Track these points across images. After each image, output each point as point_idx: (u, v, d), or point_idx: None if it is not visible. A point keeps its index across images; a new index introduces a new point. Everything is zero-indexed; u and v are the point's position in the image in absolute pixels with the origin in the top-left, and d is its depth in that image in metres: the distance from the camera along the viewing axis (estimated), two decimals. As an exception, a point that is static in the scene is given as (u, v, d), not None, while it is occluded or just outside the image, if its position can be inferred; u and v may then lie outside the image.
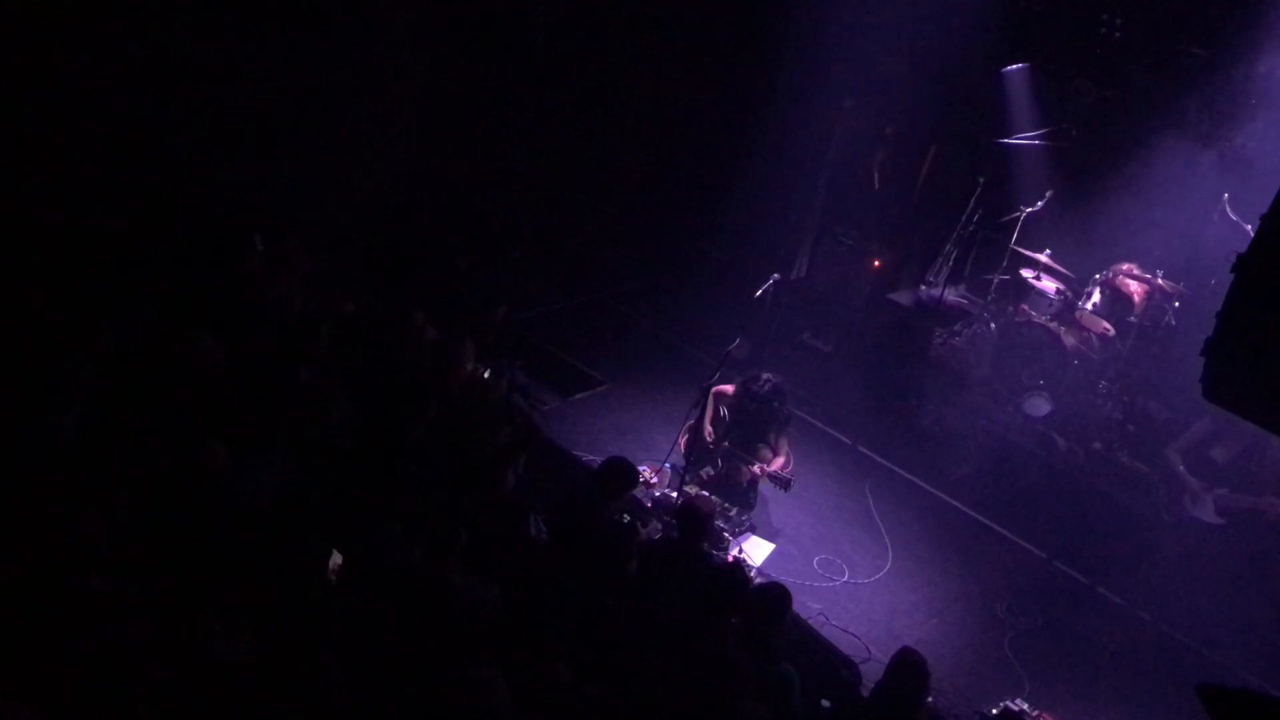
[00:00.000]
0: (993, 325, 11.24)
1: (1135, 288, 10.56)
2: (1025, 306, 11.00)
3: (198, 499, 5.10)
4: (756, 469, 8.38)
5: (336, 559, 5.37)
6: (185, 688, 4.16)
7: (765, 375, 8.57)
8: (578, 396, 9.89)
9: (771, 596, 6.24)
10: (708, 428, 8.55)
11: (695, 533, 6.93)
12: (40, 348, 5.77)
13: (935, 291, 11.58)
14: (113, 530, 4.70)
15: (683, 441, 8.57)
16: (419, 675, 4.85)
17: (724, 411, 8.68)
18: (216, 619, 4.35)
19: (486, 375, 7.80)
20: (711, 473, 8.59)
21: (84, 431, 5.40)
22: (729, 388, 8.67)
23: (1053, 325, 10.66)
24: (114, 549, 4.66)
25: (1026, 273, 11.01)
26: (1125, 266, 10.72)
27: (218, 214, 7.94)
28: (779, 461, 8.50)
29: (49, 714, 3.85)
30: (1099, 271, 10.93)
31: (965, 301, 12.09)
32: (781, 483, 8.30)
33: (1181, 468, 9.07)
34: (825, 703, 6.38)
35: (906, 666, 5.99)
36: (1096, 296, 10.84)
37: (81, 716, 3.99)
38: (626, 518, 7.71)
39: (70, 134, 7.77)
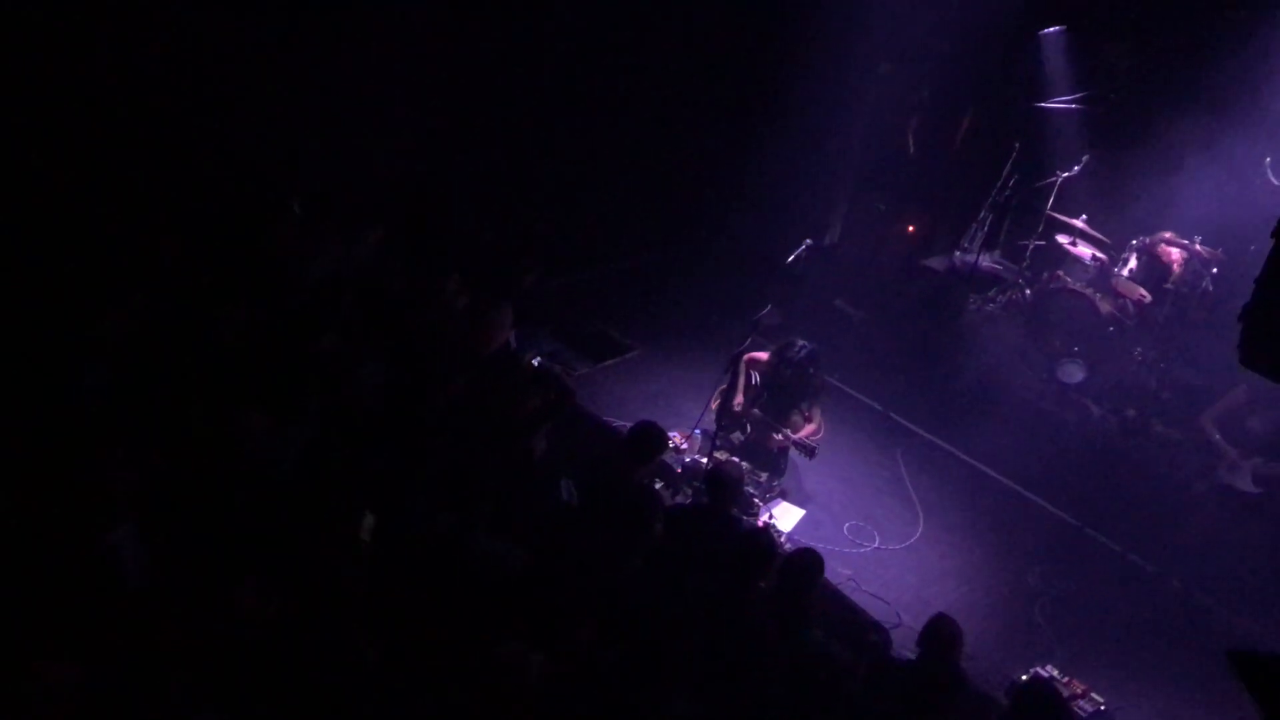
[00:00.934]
0: (1028, 291, 11.17)
1: (1174, 255, 10.46)
2: (1061, 273, 10.92)
3: (227, 461, 5.15)
4: (781, 436, 8.37)
5: (370, 520, 5.41)
6: (215, 648, 4.23)
7: (801, 342, 8.52)
8: (608, 362, 9.90)
9: (803, 562, 6.26)
10: (738, 395, 8.55)
11: (724, 498, 6.95)
12: (71, 303, 5.84)
13: (969, 257, 11.50)
14: (141, 487, 4.75)
15: (714, 406, 8.57)
16: (447, 640, 4.90)
17: (755, 378, 8.67)
18: (246, 580, 4.40)
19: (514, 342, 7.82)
20: (741, 438, 8.60)
21: (112, 387, 5.46)
22: (763, 355, 8.65)
23: (1088, 291, 10.57)
24: (142, 506, 4.72)
25: (1062, 238, 10.91)
26: (1166, 235, 10.61)
27: (256, 179, 7.98)
28: (809, 429, 8.48)
29: (93, 673, 3.93)
30: (1136, 237, 10.82)
31: (1000, 267, 12.02)
32: (806, 450, 8.29)
33: (1218, 436, 9.00)
34: None
35: (941, 632, 6.01)
36: (1133, 262, 10.75)
37: (120, 676, 4.06)
38: (658, 483, 7.75)
39: (115, 97, 7.82)
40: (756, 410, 8.52)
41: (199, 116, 8.27)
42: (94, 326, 5.70)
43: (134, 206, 7.27)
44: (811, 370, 8.46)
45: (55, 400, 5.23)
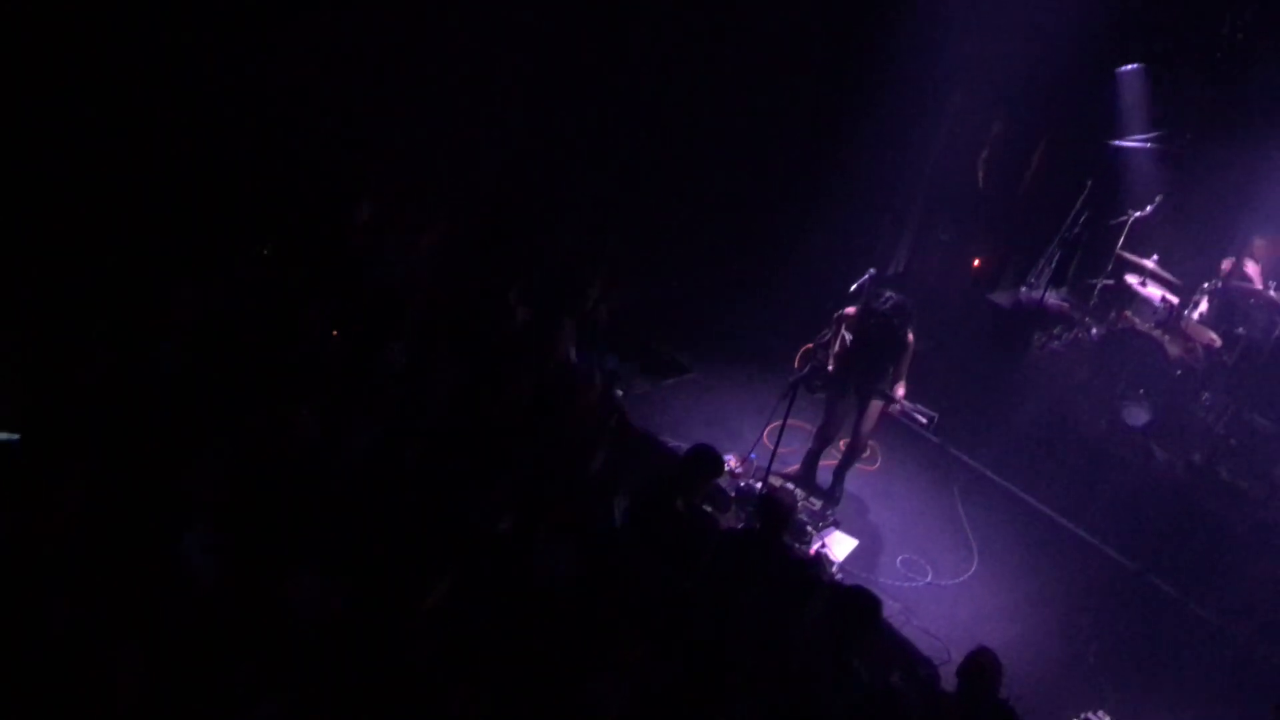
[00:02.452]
0: (1094, 331, 11.02)
1: (1251, 268, 10.35)
2: (1129, 313, 10.77)
3: (288, 458, 5.23)
4: (897, 406, 8.20)
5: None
6: (276, 644, 4.29)
7: (889, 293, 8.33)
8: (667, 382, 9.92)
9: (858, 603, 6.10)
10: (834, 349, 8.41)
11: (775, 526, 6.92)
12: (144, 301, 5.98)
13: (1036, 294, 11.40)
14: (213, 494, 4.84)
15: (800, 364, 8.43)
16: (503, 644, 4.93)
17: (846, 337, 8.45)
18: (309, 576, 4.46)
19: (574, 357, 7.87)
20: (797, 469, 8.53)
21: (183, 370, 5.58)
22: (852, 309, 8.50)
23: (1156, 333, 10.41)
24: (213, 511, 4.80)
25: (1131, 278, 10.77)
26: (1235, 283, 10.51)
27: (330, 181, 8.10)
28: (901, 388, 8.36)
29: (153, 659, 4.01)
30: (1208, 280, 10.67)
31: (1066, 305, 11.89)
32: (926, 417, 8.12)
33: (1294, 491, 8.81)
34: None
35: (978, 665, 5.93)
36: (1204, 305, 10.59)
37: (181, 663, 4.14)
38: (709, 507, 7.73)
39: (198, 98, 7.99)
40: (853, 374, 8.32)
41: (278, 116, 8.43)
42: (166, 324, 5.84)
43: (208, 205, 7.44)
44: (897, 321, 8.21)
45: (129, 392, 5.35)
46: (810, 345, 8.44)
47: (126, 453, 4.91)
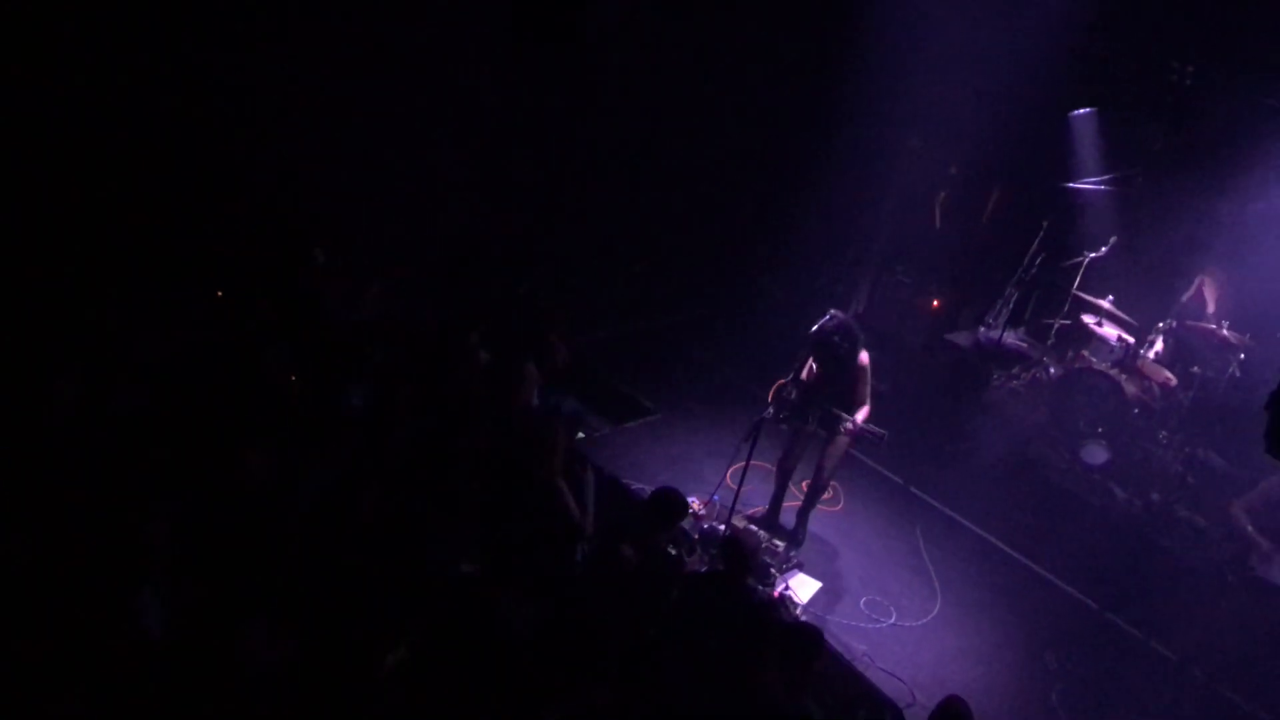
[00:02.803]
0: (1051, 370, 11.11)
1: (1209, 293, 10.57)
2: (1086, 353, 10.87)
3: (237, 504, 5.16)
4: (849, 425, 8.14)
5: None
6: (227, 692, 4.20)
7: (833, 311, 8.27)
8: (629, 424, 9.89)
9: (803, 639, 6.14)
10: (803, 375, 8.36)
11: (739, 567, 6.88)
12: (101, 334, 5.92)
13: (994, 334, 11.49)
14: (166, 549, 4.75)
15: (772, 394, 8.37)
16: (465, 692, 4.86)
17: (813, 366, 8.39)
18: (260, 625, 4.38)
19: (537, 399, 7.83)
20: (813, 428, 8.44)
21: (135, 416, 5.50)
22: None
23: (1113, 372, 10.51)
24: (165, 566, 4.72)
25: (1088, 318, 10.88)
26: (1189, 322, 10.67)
27: (283, 226, 8.06)
28: (863, 412, 8.30)
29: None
30: (1163, 319, 10.80)
31: (1025, 345, 11.99)
32: (877, 437, 8.05)
33: (1250, 526, 8.85)
34: None
35: (952, 712, 5.90)
36: (1159, 345, 10.71)
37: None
38: (672, 549, 7.68)
39: (148, 139, 7.96)
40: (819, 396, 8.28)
41: (234, 159, 8.40)
42: (123, 363, 5.76)
43: (165, 249, 7.37)
44: (839, 339, 8.11)
45: (87, 430, 5.28)
46: (783, 381, 8.43)
47: (80, 502, 4.83)
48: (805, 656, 6.04)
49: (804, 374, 8.39)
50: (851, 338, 8.18)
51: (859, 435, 8.17)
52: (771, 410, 8.30)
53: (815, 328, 8.65)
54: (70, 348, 5.89)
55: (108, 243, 7.21)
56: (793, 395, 8.33)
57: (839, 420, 8.19)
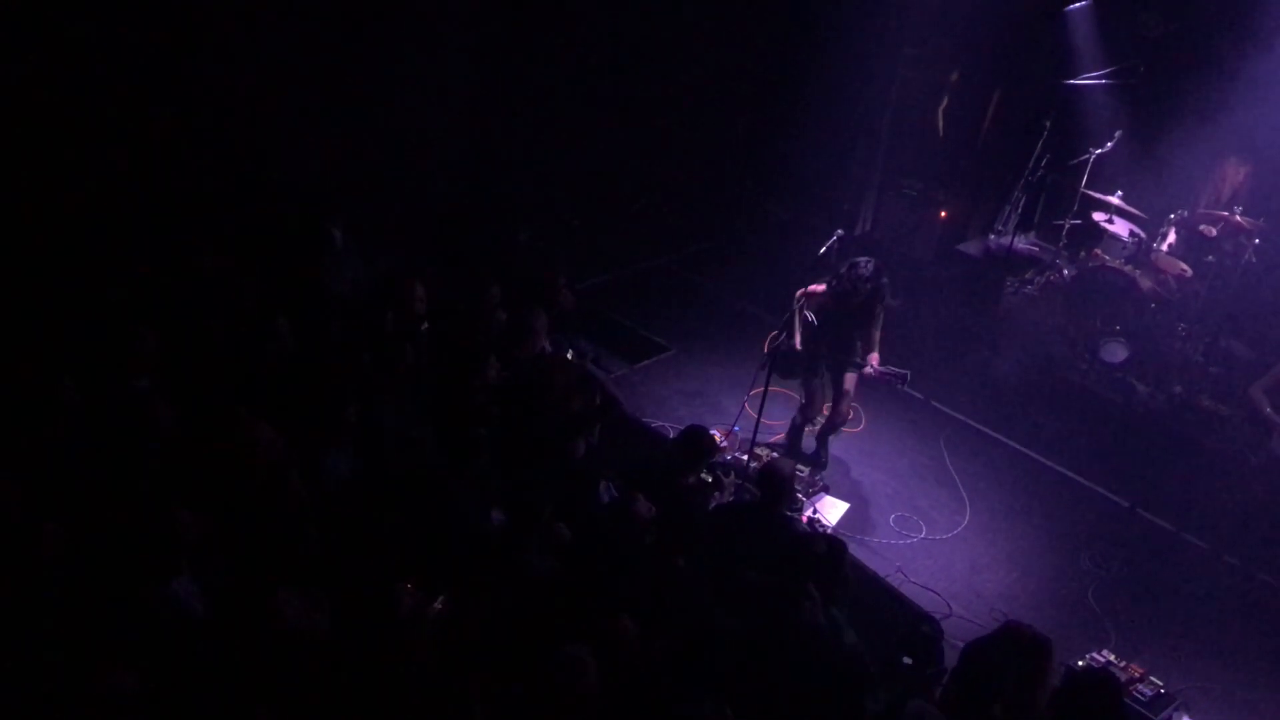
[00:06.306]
0: (1065, 272, 11.02)
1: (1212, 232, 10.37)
2: (1098, 251, 10.77)
3: (261, 477, 5.19)
4: (868, 371, 8.13)
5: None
6: (262, 660, 4.26)
7: (864, 258, 8.24)
8: (644, 363, 9.88)
9: (828, 550, 6.11)
10: (796, 336, 8.36)
11: (775, 495, 6.84)
12: (114, 319, 5.94)
13: (1005, 240, 11.40)
14: (200, 538, 4.79)
15: (766, 350, 8.36)
16: (495, 643, 4.90)
17: (811, 317, 8.38)
18: (294, 593, 4.42)
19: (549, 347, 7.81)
20: (816, 380, 8.48)
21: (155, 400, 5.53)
22: (818, 287, 8.39)
23: (1128, 269, 10.43)
24: (199, 552, 4.77)
25: (1098, 216, 10.76)
26: (1201, 211, 10.51)
27: (295, 202, 8.03)
28: (874, 356, 8.29)
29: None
30: (1174, 211, 10.68)
31: (1036, 249, 11.90)
32: (898, 378, 8.03)
33: (1269, 408, 8.82)
34: (906, 660, 6.33)
35: (1023, 646, 5.65)
36: (1172, 237, 10.61)
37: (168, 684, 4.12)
38: (707, 475, 7.64)
39: (165, 123, 7.95)
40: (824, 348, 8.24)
41: (243, 139, 8.36)
42: (135, 348, 5.78)
43: (176, 230, 7.39)
44: (882, 284, 8.13)
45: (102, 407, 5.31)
46: (775, 333, 8.40)
47: (105, 496, 4.88)
48: (832, 568, 6.03)
49: (799, 326, 8.33)
50: (881, 283, 8.16)
51: (879, 379, 8.15)
52: (775, 359, 8.25)
53: (823, 250, 8.64)
54: (77, 339, 5.91)
55: (121, 228, 7.26)
56: (796, 346, 8.29)
57: (854, 365, 8.15)
